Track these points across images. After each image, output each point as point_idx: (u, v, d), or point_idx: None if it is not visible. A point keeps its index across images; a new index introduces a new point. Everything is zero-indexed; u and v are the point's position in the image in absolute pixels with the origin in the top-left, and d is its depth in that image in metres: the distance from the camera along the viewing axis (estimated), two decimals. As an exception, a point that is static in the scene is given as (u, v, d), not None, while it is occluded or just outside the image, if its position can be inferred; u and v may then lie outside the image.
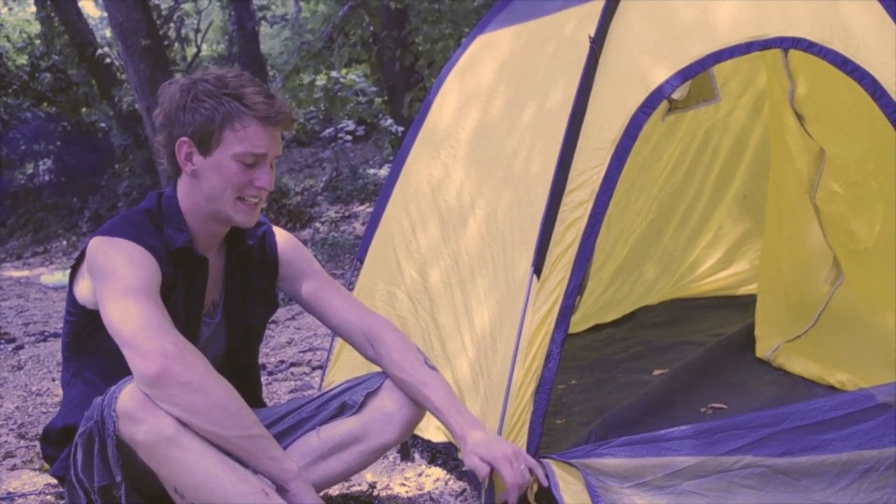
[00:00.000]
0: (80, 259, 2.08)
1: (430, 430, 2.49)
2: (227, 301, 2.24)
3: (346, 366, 3.03)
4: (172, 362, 1.80)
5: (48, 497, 2.54)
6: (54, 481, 2.60)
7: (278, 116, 2.03)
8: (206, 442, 1.84)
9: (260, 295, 2.29)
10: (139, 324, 1.85)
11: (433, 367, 2.19)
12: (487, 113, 2.84)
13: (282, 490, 1.91)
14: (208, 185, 2.05)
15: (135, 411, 1.81)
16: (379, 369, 2.25)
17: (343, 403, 2.20)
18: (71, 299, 2.10)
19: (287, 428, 2.23)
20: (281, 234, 2.34)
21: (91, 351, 2.08)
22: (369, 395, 2.19)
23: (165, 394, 1.81)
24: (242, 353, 2.30)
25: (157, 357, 1.80)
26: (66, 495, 2.10)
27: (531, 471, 1.99)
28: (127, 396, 1.83)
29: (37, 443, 3.10)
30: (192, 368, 1.82)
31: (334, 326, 2.32)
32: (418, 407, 2.19)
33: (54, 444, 2.14)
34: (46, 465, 2.76)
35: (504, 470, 1.94)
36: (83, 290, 2.05)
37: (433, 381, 2.14)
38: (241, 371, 2.27)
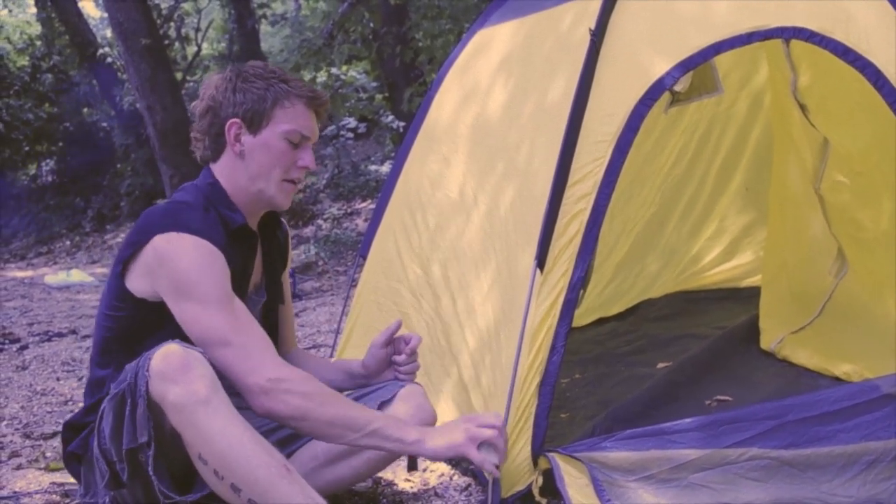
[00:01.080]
0: (131, 251, 2.03)
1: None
2: (267, 281, 2.30)
3: (349, 362, 3.03)
4: (271, 402, 1.91)
5: (54, 496, 2.54)
6: (60, 480, 2.60)
7: (321, 100, 2.17)
8: (234, 410, 1.85)
9: (280, 278, 2.36)
10: (234, 357, 1.92)
11: None
12: (488, 108, 2.84)
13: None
14: (256, 164, 2.12)
15: (169, 371, 1.82)
16: (387, 377, 2.31)
17: None
18: (120, 293, 2.07)
19: None
20: None
21: (145, 343, 2.01)
22: (383, 404, 2.20)
23: (280, 422, 2.02)
24: (271, 329, 2.31)
25: (259, 397, 1.92)
26: (81, 477, 2.10)
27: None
28: (161, 357, 1.84)
29: (42, 442, 3.10)
30: (290, 402, 1.92)
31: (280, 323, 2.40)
32: (430, 418, 2.22)
33: (79, 432, 2.12)
34: (53, 464, 2.77)
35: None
36: (141, 285, 2.03)
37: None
38: None
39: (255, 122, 2.10)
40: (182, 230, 1.98)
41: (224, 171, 2.15)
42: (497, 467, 1.99)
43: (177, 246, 1.97)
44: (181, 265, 1.96)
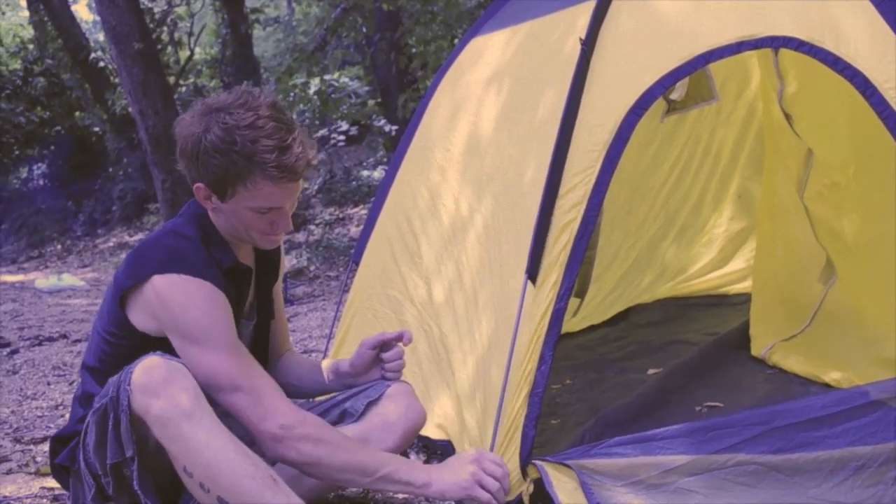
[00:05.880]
0: (130, 283, 2.00)
1: (430, 427, 2.48)
2: (259, 302, 2.28)
3: (341, 368, 3.03)
4: (285, 449, 1.92)
5: (44, 501, 2.54)
6: (50, 485, 2.60)
7: (292, 175, 1.96)
8: (218, 421, 1.85)
9: (271, 294, 2.35)
10: (245, 403, 1.92)
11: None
12: (482, 117, 2.84)
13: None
14: (230, 224, 2.07)
15: (151, 384, 1.82)
16: (374, 376, 2.30)
17: (344, 411, 2.22)
18: (121, 322, 2.04)
19: None
20: None
21: None
22: (370, 404, 2.21)
23: (291, 466, 1.98)
24: (262, 346, 2.33)
25: (271, 444, 1.93)
26: (70, 489, 2.09)
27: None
28: (143, 370, 1.83)
29: (32, 447, 3.10)
30: (303, 450, 1.93)
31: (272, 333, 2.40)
32: (419, 416, 2.23)
33: (66, 444, 2.11)
34: (44, 468, 2.77)
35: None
36: (143, 321, 2.02)
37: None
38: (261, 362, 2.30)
39: (219, 193, 1.99)
40: (182, 271, 1.95)
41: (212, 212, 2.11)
42: None
43: (179, 290, 1.94)
44: (186, 311, 1.94)
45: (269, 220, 2.03)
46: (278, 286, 2.39)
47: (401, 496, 2.44)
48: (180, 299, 1.94)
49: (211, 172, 1.95)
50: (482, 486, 1.97)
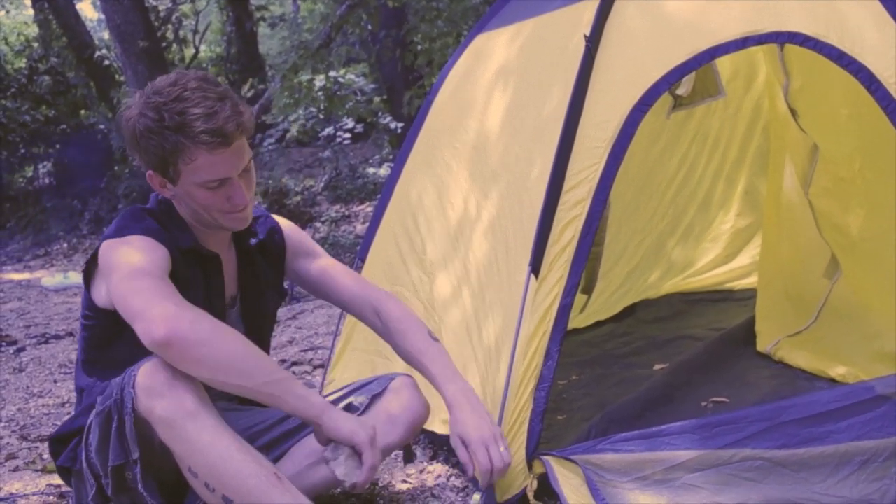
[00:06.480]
0: (93, 263, 2.08)
1: (436, 422, 2.48)
2: (243, 294, 2.28)
3: (347, 365, 3.04)
4: (177, 322, 1.79)
5: (50, 498, 2.55)
6: (57, 482, 2.61)
7: (224, 139, 1.92)
8: (222, 422, 1.85)
9: (270, 285, 2.33)
10: (143, 297, 1.85)
11: (436, 339, 2.24)
12: (488, 114, 2.84)
13: (316, 425, 1.92)
14: (190, 207, 2.07)
15: (156, 385, 1.82)
16: (385, 371, 2.31)
17: (349, 405, 2.22)
18: (89, 303, 2.10)
19: (293, 428, 2.24)
20: (283, 222, 2.38)
21: (114, 353, 2.07)
22: (375, 398, 2.21)
23: (180, 354, 1.80)
24: (257, 341, 2.31)
25: (162, 320, 1.79)
26: (73, 489, 2.11)
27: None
28: (146, 373, 1.84)
29: (38, 444, 3.11)
30: (199, 325, 1.82)
31: (344, 302, 2.36)
32: (423, 408, 2.23)
33: (66, 444, 2.12)
34: (50, 465, 2.78)
35: (478, 454, 1.97)
36: (102, 294, 2.05)
37: (432, 351, 2.19)
38: None
39: (167, 176, 2.00)
40: (125, 234, 2.00)
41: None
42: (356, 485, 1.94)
43: (116, 243, 1.98)
44: (116, 253, 1.96)
45: (224, 196, 2.01)
46: (320, 263, 2.36)
47: (407, 490, 2.45)
48: (115, 250, 1.97)
49: (151, 154, 1.97)
50: (372, 447, 1.90)
